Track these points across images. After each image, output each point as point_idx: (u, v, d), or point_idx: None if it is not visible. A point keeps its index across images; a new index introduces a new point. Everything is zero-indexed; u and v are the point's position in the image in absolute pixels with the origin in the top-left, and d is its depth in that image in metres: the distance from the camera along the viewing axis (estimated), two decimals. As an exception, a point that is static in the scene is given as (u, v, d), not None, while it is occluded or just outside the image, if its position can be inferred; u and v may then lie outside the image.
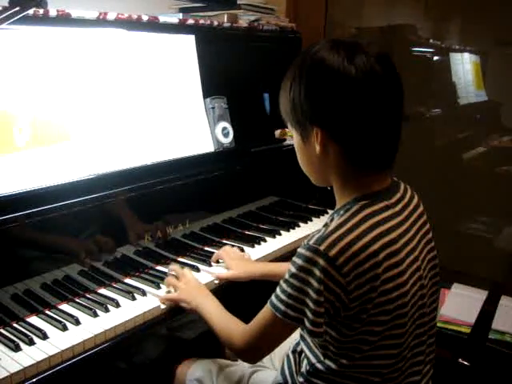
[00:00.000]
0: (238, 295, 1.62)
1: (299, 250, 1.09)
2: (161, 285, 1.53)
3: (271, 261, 1.80)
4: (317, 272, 1.04)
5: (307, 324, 1.07)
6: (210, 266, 1.68)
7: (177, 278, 1.52)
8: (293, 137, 1.22)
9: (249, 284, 1.63)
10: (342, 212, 1.12)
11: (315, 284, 1.04)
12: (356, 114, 1.07)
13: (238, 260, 1.68)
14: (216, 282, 1.61)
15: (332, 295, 1.04)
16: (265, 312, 1.16)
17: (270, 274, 1.59)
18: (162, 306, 1.45)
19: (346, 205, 1.13)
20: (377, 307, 1.06)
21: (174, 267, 1.57)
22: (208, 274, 1.63)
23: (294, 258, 1.09)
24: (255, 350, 1.23)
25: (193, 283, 1.50)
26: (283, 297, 1.10)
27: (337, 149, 1.11)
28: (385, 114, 1.09)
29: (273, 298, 1.13)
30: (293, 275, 1.08)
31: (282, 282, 1.11)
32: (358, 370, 1.11)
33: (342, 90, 1.06)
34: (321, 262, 1.03)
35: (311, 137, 1.13)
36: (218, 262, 1.71)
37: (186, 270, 1.56)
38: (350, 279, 1.03)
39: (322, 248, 1.04)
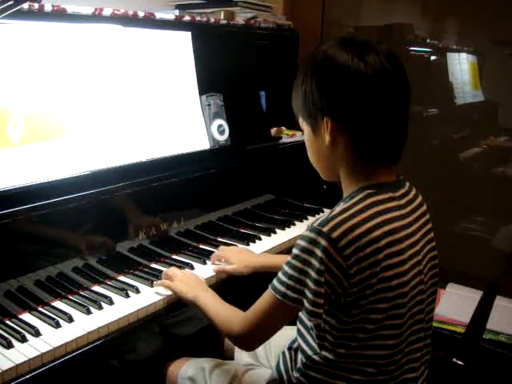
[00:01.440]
0: (238, 291, 1.61)
1: (303, 232, 1.11)
2: (154, 282, 1.52)
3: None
4: (318, 252, 1.05)
5: (306, 304, 1.09)
6: (205, 263, 1.67)
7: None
8: (303, 132, 1.24)
9: (249, 279, 1.63)
10: (347, 199, 1.14)
11: (316, 264, 1.06)
12: (364, 107, 1.10)
13: (238, 254, 1.69)
14: (215, 276, 1.62)
15: (333, 278, 1.05)
16: (265, 295, 1.17)
17: (272, 265, 1.59)
18: (159, 298, 1.45)
19: (352, 193, 1.15)
20: (376, 294, 1.07)
21: (171, 268, 1.57)
22: (203, 272, 1.62)
23: (298, 240, 1.11)
24: (254, 335, 1.23)
25: (191, 276, 1.52)
26: (284, 278, 1.12)
27: (345, 139, 1.13)
28: (392, 109, 1.12)
29: (274, 280, 1.15)
30: (295, 256, 1.10)
31: (284, 264, 1.13)
32: (354, 361, 1.12)
33: (351, 84, 1.10)
34: (323, 242, 1.05)
35: (321, 128, 1.15)
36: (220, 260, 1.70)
37: (185, 270, 1.58)
38: (351, 263, 1.05)
39: (324, 229, 1.06)
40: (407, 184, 1.23)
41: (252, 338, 1.24)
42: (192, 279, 1.50)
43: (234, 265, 1.63)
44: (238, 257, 1.66)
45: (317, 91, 1.13)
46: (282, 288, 1.12)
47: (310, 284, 1.07)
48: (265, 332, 1.22)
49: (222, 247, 1.75)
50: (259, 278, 1.56)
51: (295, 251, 1.11)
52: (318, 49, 1.17)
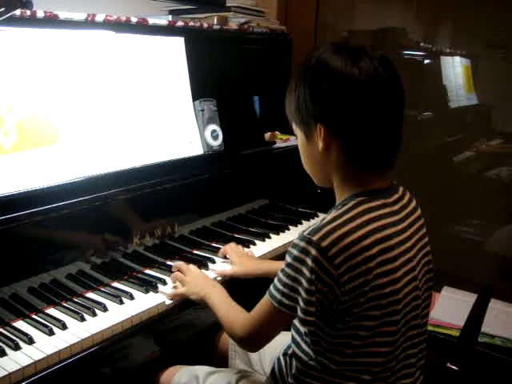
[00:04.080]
0: (245, 287, 1.63)
1: (294, 240, 1.11)
2: (149, 288, 1.52)
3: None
4: (309, 261, 1.06)
5: (299, 313, 1.10)
6: (199, 268, 1.66)
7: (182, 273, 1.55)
8: (297, 137, 1.25)
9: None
10: (339, 207, 1.14)
11: (307, 273, 1.06)
12: (358, 114, 1.09)
13: (241, 257, 1.70)
14: (218, 278, 1.63)
15: (324, 286, 1.05)
16: (263, 301, 1.19)
17: (274, 272, 1.59)
18: (168, 302, 1.47)
19: (344, 200, 1.15)
20: (369, 302, 1.07)
21: (178, 263, 1.59)
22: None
23: (290, 248, 1.11)
24: (254, 339, 1.25)
25: (199, 275, 1.54)
26: (279, 286, 1.13)
27: (338, 146, 1.13)
28: (386, 115, 1.11)
29: (271, 287, 1.16)
30: (288, 265, 1.11)
31: (279, 271, 1.14)
32: (350, 368, 1.12)
33: (344, 90, 1.09)
34: (313, 251, 1.05)
35: (314, 134, 1.15)
36: (225, 257, 1.73)
37: (191, 265, 1.59)
38: (342, 271, 1.05)
39: (314, 238, 1.06)
40: (401, 189, 1.23)
41: (252, 341, 1.26)
42: (200, 279, 1.52)
43: (234, 268, 1.65)
44: (240, 259, 1.68)
45: (310, 97, 1.13)
46: (277, 295, 1.13)
47: (302, 293, 1.08)
48: (264, 336, 1.24)
49: (231, 244, 1.77)
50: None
51: (288, 259, 1.11)
52: (311, 54, 1.16)
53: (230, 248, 1.74)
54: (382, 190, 1.17)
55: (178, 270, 1.57)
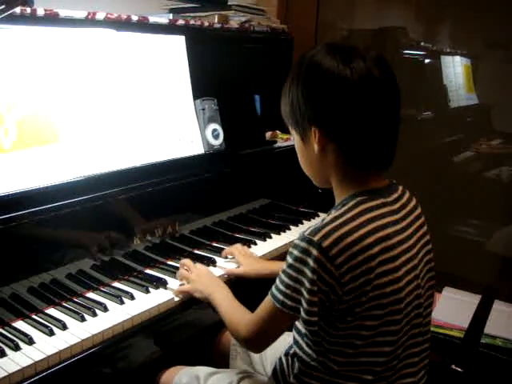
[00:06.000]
0: (249, 287, 1.62)
1: (295, 240, 1.11)
2: (150, 288, 1.51)
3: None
4: (310, 262, 1.06)
5: (303, 314, 1.09)
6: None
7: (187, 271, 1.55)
8: (293, 139, 1.24)
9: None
10: (339, 207, 1.14)
11: (309, 274, 1.06)
12: (351, 115, 1.09)
13: (248, 258, 1.70)
14: (225, 276, 1.64)
15: (326, 286, 1.05)
16: (266, 302, 1.19)
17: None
18: (176, 299, 1.47)
19: (344, 201, 1.15)
20: (371, 301, 1.07)
21: (184, 261, 1.59)
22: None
23: (291, 249, 1.11)
24: (258, 340, 1.24)
25: (204, 273, 1.54)
26: (281, 287, 1.12)
27: (334, 147, 1.13)
28: (380, 116, 1.10)
29: (273, 288, 1.16)
30: (289, 265, 1.10)
31: (280, 272, 1.14)
32: (352, 368, 1.12)
33: (337, 91, 1.09)
34: (314, 252, 1.05)
35: (310, 137, 1.15)
36: (226, 257, 1.73)
37: (198, 264, 1.59)
38: (344, 271, 1.04)
39: (315, 239, 1.06)
40: (400, 188, 1.22)
41: (256, 342, 1.26)
42: (205, 277, 1.51)
43: (243, 268, 1.64)
44: (248, 260, 1.68)
45: (303, 99, 1.13)
46: (280, 296, 1.12)
47: (305, 293, 1.08)
48: (268, 337, 1.23)
49: (236, 245, 1.77)
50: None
51: (289, 260, 1.11)
52: (304, 55, 1.16)
53: (237, 249, 1.73)
54: (381, 189, 1.17)
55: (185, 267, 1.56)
